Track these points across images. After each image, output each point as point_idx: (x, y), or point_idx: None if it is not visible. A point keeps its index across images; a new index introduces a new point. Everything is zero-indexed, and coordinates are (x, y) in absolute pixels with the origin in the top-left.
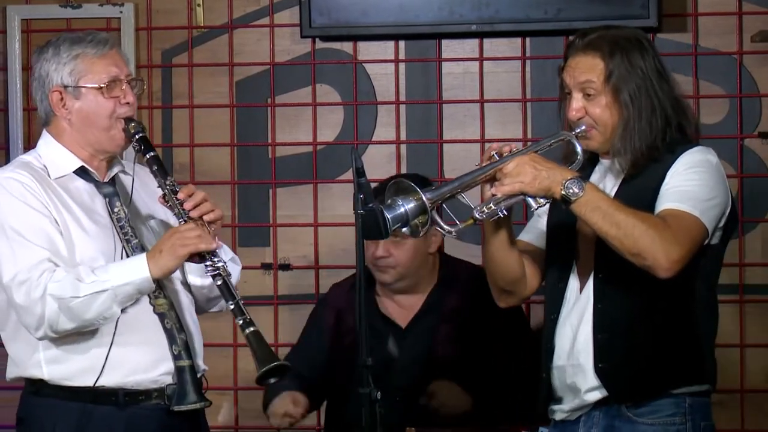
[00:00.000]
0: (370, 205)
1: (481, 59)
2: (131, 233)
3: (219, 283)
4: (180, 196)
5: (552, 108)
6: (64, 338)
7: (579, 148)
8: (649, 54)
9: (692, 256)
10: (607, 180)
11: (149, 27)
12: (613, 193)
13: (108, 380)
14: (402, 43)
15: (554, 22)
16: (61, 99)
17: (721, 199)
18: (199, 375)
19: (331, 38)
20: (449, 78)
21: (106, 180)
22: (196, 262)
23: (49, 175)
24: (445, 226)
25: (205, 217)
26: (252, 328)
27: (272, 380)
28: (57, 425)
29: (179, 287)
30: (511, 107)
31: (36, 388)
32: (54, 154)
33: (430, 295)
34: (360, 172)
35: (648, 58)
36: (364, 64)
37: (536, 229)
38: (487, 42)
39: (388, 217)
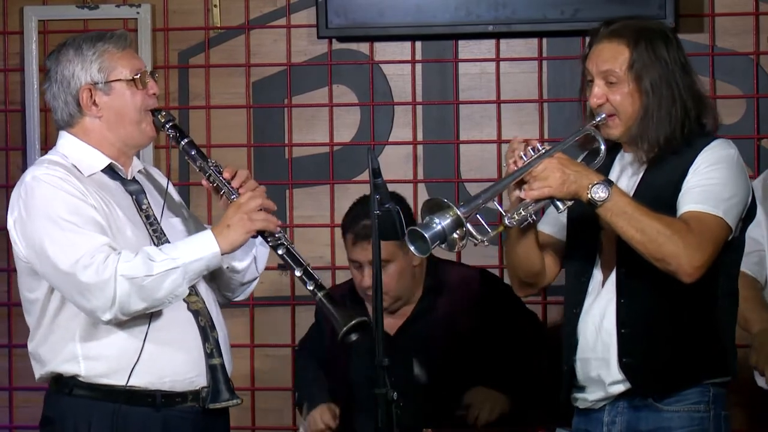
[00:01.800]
0: (387, 205)
1: (497, 60)
2: (161, 230)
3: (281, 252)
4: (225, 176)
5: (569, 108)
6: (101, 334)
7: (603, 146)
8: (673, 46)
9: (715, 257)
10: (627, 172)
11: (166, 28)
12: (634, 187)
13: (142, 380)
14: (418, 44)
15: (571, 23)
16: (92, 96)
17: (743, 194)
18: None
19: (347, 39)
20: (466, 78)
21: (129, 178)
22: (255, 237)
23: (81, 173)
24: (477, 236)
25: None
26: (324, 291)
27: (354, 338)
28: (92, 426)
29: (206, 286)
30: (528, 108)
31: (69, 387)
32: (81, 154)
33: (419, 302)
34: (376, 173)
35: (672, 50)
36: (380, 64)
37: (556, 220)
38: (504, 42)
39: (427, 236)
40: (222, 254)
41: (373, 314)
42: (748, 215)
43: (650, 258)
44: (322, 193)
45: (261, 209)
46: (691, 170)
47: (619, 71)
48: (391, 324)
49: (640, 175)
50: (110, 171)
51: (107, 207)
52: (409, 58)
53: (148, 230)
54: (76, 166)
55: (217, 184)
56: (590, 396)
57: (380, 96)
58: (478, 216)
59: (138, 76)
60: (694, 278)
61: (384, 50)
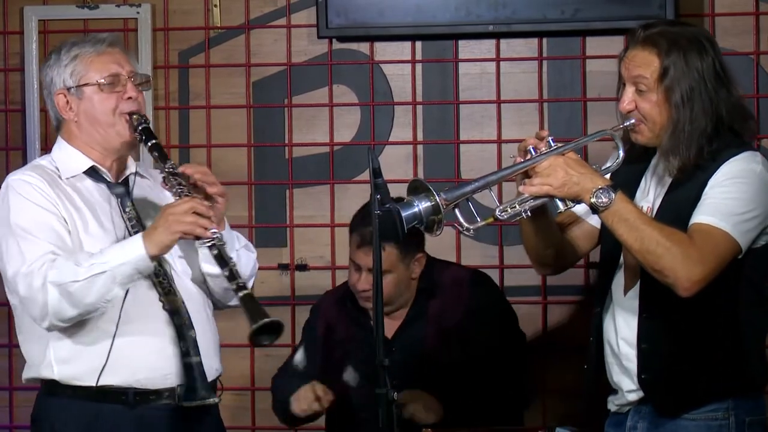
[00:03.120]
0: (387, 205)
1: (497, 60)
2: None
3: (215, 252)
4: (181, 170)
5: (569, 108)
6: (71, 337)
7: (621, 151)
8: (708, 55)
9: (718, 273)
10: (655, 181)
11: (166, 28)
12: (659, 200)
13: (114, 379)
14: (419, 44)
15: (571, 23)
16: (67, 102)
17: (762, 210)
18: (215, 376)
19: (347, 39)
20: (466, 78)
21: (119, 181)
22: (190, 239)
23: (60, 177)
24: (464, 224)
25: (208, 189)
26: (245, 291)
27: (266, 340)
28: (68, 425)
29: (192, 285)
30: (528, 107)
31: (49, 388)
32: (66, 156)
33: (412, 305)
34: (377, 173)
35: (707, 59)
36: (380, 64)
37: None
38: (504, 42)
39: (403, 215)
40: (151, 256)
41: (374, 315)
42: None
43: (649, 269)
44: (323, 193)
45: (192, 210)
46: (709, 183)
47: (649, 80)
48: (389, 326)
49: (666, 189)
50: (94, 173)
51: (76, 211)
52: (409, 58)
53: (128, 233)
54: (58, 169)
55: (170, 185)
56: (616, 400)
57: (380, 96)
58: (469, 204)
59: (104, 81)
60: (691, 293)
61: (384, 50)
